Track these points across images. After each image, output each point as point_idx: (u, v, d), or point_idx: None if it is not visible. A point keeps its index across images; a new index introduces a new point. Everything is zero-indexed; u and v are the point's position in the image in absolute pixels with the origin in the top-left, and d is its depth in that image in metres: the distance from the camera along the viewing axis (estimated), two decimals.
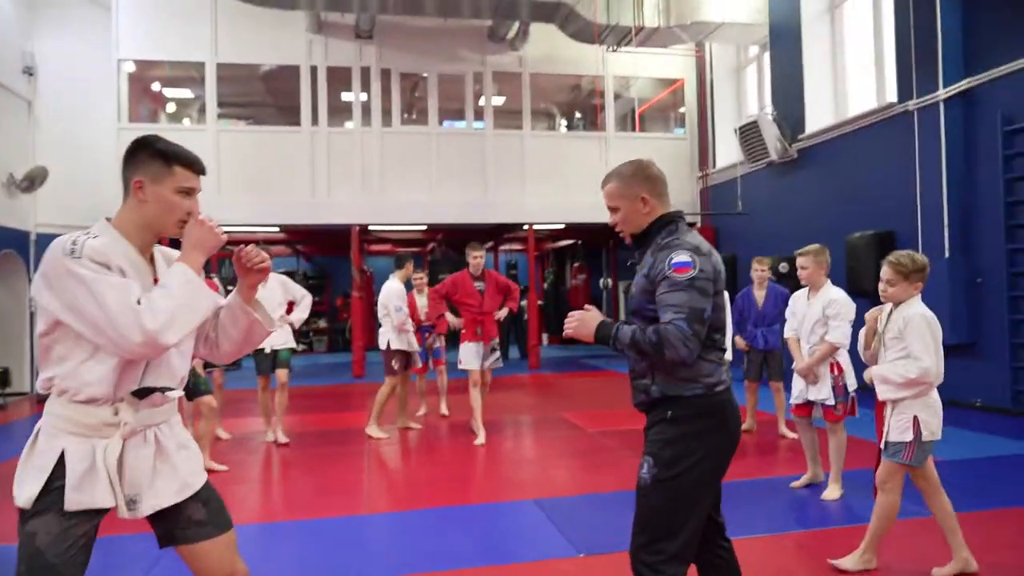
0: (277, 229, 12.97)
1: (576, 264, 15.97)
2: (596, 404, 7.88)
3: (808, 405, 4.24)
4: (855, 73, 9.22)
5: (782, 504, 4.10)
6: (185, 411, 5.12)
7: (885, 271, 3.06)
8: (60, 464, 1.65)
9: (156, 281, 1.76)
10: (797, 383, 4.26)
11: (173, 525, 1.83)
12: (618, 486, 4.52)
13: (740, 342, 5.83)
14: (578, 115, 15.20)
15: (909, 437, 2.94)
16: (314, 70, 11.30)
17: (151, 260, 1.84)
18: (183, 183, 1.78)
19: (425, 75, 11.93)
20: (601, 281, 16.12)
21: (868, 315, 3.23)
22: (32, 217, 9.93)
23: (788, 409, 4.72)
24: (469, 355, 5.98)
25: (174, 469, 1.80)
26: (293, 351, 6.11)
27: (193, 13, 10.84)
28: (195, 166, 1.81)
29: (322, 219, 11.37)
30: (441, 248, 14.82)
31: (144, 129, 11.01)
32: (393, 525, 3.94)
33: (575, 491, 4.50)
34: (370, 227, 12.48)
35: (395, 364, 6.27)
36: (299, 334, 16.44)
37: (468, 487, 4.76)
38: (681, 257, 1.97)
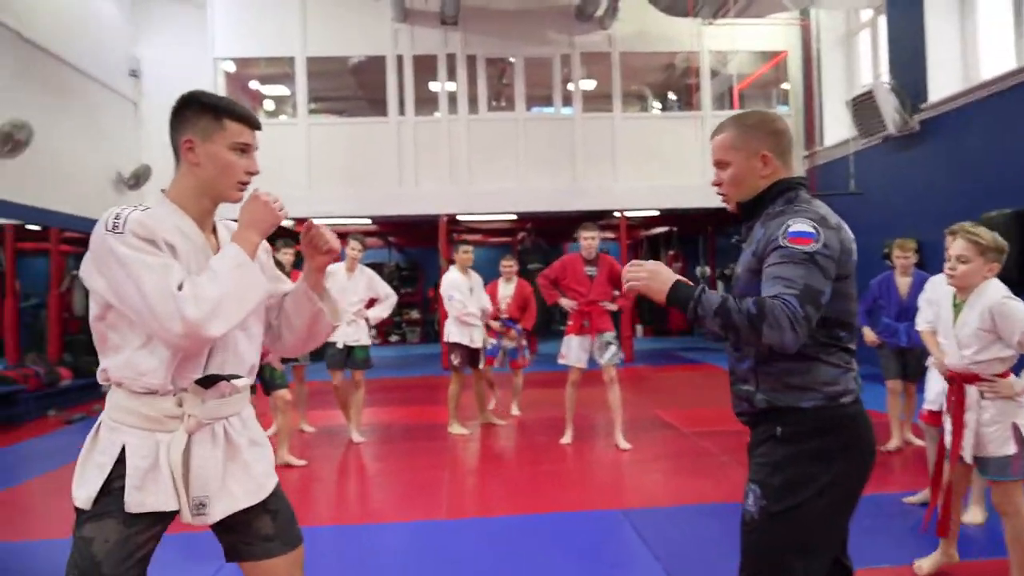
0: (369, 221, 13.10)
1: (671, 252, 15.33)
2: (694, 401, 7.40)
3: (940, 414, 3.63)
4: (988, 32, 8.19)
5: (898, 525, 3.56)
6: (259, 406, 5.09)
7: (959, 244, 2.61)
8: (121, 461, 1.49)
9: None
10: (933, 385, 3.61)
11: (239, 539, 1.64)
12: (717, 496, 4.10)
13: (869, 335, 5.02)
14: (672, 96, 14.53)
15: (1013, 450, 2.53)
16: (400, 60, 11.25)
17: (214, 232, 1.65)
18: (237, 138, 1.58)
19: (512, 59, 11.65)
20: (698, 270, 15.41)
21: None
22: None
23: (916, 414, 4.11)
24: (571, 349, 5.42)
25: (246, 468, 1.61)
26: (367, 348, 5.82)
27: (282, 7, 11.00)
28: (248, 119, 1.61)
29: (410, 210, 11.33)
30: (531, 237, 14.56)
31: None
32: (465, 532, 3.69)
33: (668, 501, 4.11)
34: (458, 217, 12.38)
35: (454, 359, 5.94)
36: (382, 331, 16.72)
37: (548, 492, 4.46)
38: (801, 225, 1.56)
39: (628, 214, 12.04)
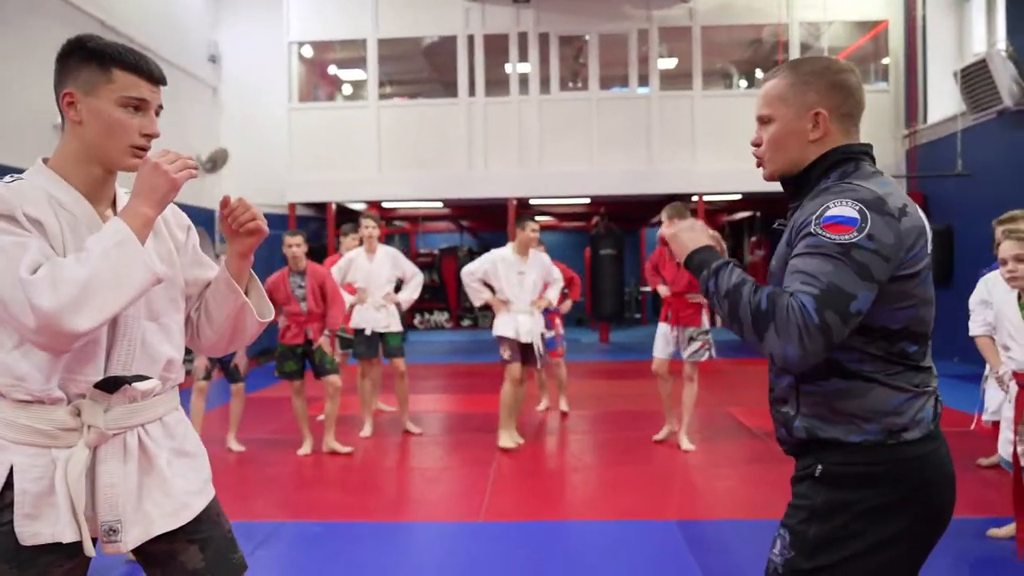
0: (440, 204, 13.02)
1: (754, 238, 14.56)
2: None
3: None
4: None
5: (974, 556, 3.05)
6: (312, 390, 5.00)
7: (1009, 246, 2.40)
8: (9, 486, 1.24)
9: None
10: (993, 395, 3.13)
11: (165, 572, 1.40)
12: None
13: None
14: (759, 73, 13.70)
15: None
16: (471, 40, 11.02)
17: (113, 206, 1.39)
18: (128, 91, 1.31)
19: (586, 37, 11.23)
20: None
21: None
22: (217, 196, 10.61)
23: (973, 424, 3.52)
24: (656, 338, 5.09)
25: (166, 485, 1.36)
26: (403, 336, 5.57)
27: None
28: (143, 69, 1.32)
29: (479, 193, 11.14)
30: (604, 222, 14.12)
31: (311, 108, 11.46)
32: (500, 536, 3.45)
33: (730, 514, 3.74)
34: (530, 200, 12.10)
35: (503, 354, 5.01)
36: (455, 316, 16.69)
37: (599, 497, 4.16)
38: (841, 208, 1.22)
39: (708, 198, 11.45)
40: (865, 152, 1.36)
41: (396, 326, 5.46)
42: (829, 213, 1.22)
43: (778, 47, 11.25)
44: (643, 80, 11.22)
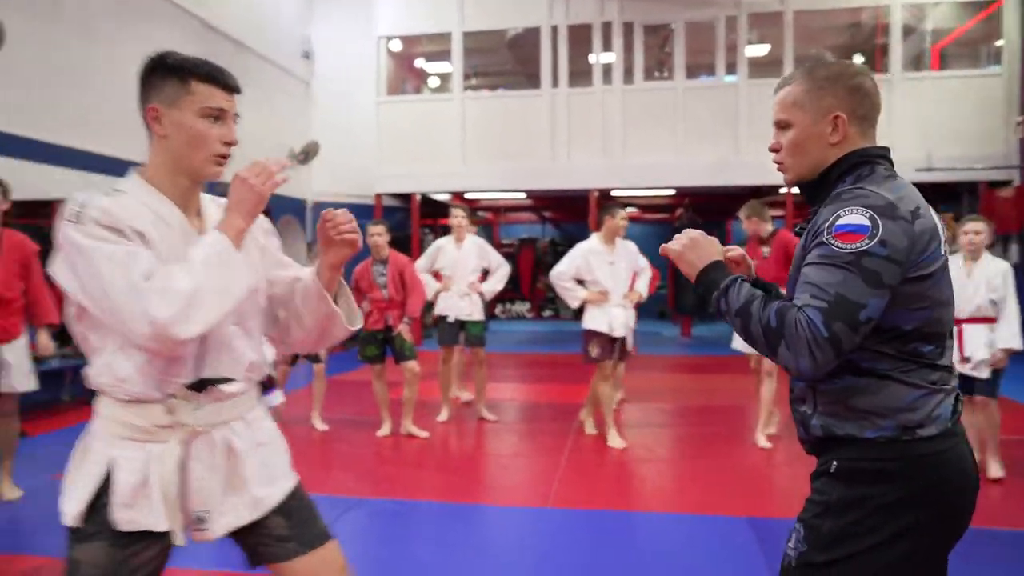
0: (524, 195, 13.11)
1: None
2: None
3: None
4: None
5: None
6: (392, 375, 5.18)
7: None
8: (110, 476, 1.36)
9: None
10: None
11: (256, 540, 1.50)
12: None
13: None
14: (859, 59, 13.06)
15: None
16: (555, 30, 11.03)
17: (199, 215, 1.47)
18: (207, 102, 1.38)
19: (672, 25, 11.02)
20: None
21: None
22: (309, 187, 11.08)
23: None
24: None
25: (249, 477, 1.47)
26: (485, 325, 5.66)
27: None
28: (219, 80, 1.40)
29: (562, 184, 11.16)
30: (688, 214, 13.83)
31: (398, 101, 11.76)
32: (565, 523, 3.49)
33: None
34: (612, 192, 12.02)
35: (592, 350, 4.82)
36: (536, 307, 16.75)
37: (669, 489, 4.14)
38: (852, 216, 1.22)
39: (797, 190, 11.03)
40: (882, 155, 1.36)
41: (479, 315, 5.54)
42: (840, 222, 1.24)
43: (877, 31, 10.71)
44: (730, 68, 10.93)
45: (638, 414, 5.94)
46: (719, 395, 6.46)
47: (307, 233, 10.83)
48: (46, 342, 3.88)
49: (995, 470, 4.08)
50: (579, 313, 5.26)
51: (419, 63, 13.88)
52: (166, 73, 1.39)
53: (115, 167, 6.76)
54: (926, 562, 1.27)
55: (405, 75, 13.30)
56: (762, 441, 4.81)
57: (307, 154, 10.61)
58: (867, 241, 1.20)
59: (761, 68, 11.28)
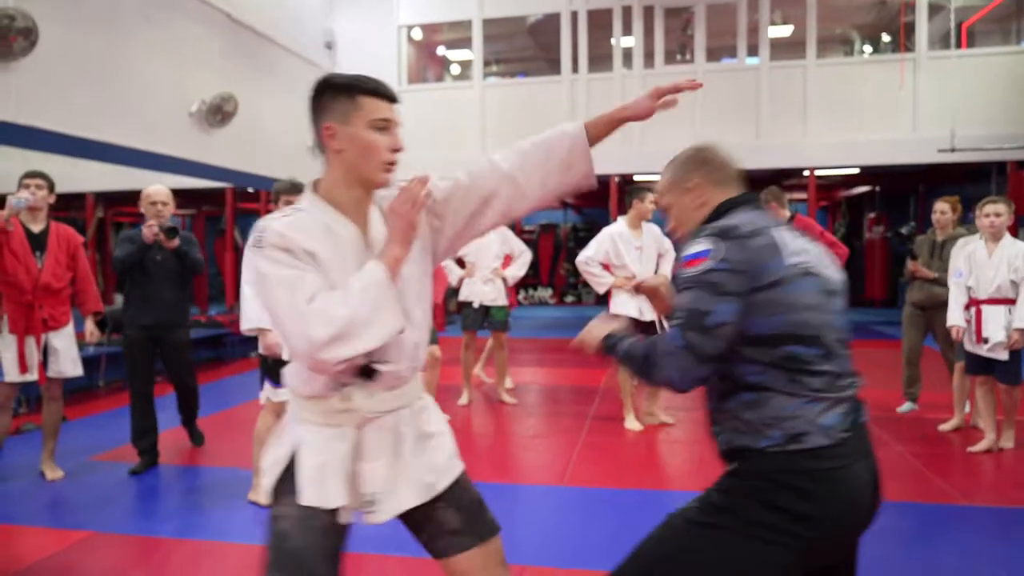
0: None
1: (872, 215, 13.77)
2: (875, 381, 6.58)
3: None
4: None
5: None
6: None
7: None
8: (297, 456, 1.51)
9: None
10: None
11: (427, 535, 1.60)
12: None
13: None
14: (885, 38, 12.83)
15: None
16: (575, 16, 11.02)
17: (367, 223, 1.56)
18: (374, 114, 1.48)
19: (692, 8, 10.95)
20: (905, 229, 13.68)
21: None
22: None
23: None
24: None
25: (415, 464, 1.55)
26: (508, 310, 5.74)
27: None
28: (382, 92, 1.50)
29: None
30: None
31: (420, 89, 11.86)
32: (580, 501, 3.61)
33: None
34: (634, 176, 12.02)
35: None
36: (558, 292, 16.78)
37: (684, 470, 4.24)
38: (694, 246, 1.43)
39: (821, 172, 10.96)
40: (741, 201, 1.57)
41: (502, 300, 5.65)
42: (686, 252, 1.46)
43: (902, 9, 10.54)
44: (752, 50, 10.83)
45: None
46: None
47: None
48: (92, 330, 4.11)
49: (1007, 440, 4.16)
50: (602, 298, 5.28)
51: (440, 51, 13.95)
52: (336, 93, 1.49)
53: (140, 159, 6.96)
54: (788, 568, 1.34)
55: (426, 63, 13.38)
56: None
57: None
58: (709, 261, 1.39)
59: (784, 49, 11.17)
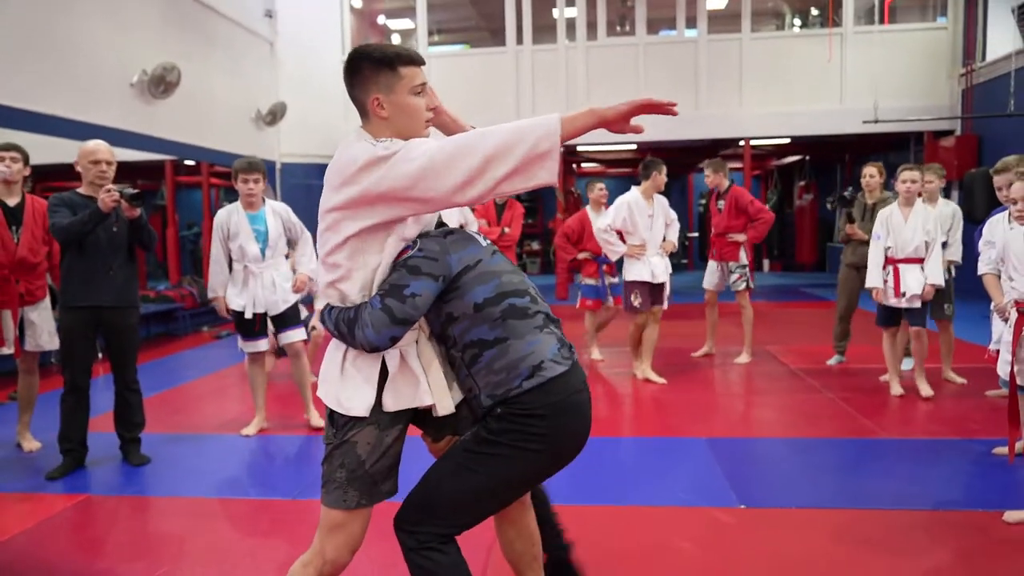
0: None
1: (802, 183, 14.46)
2: (807, 338, 7.13)
3: None
4: None
5: (986, 471, 3.36)
6: None
7: (1020, 187, 2.78)
8: (383, 372, 1.69)
9: None
10: (997, 328, 3.32)
11: (434, 426, 1.84)
12: (808, 432, 4.04)
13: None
14: (814, 12, 13.38)
15: None
16: None
17: None
18: (414, 81, 1.67)
19: None
20: (829, 201, 14.42)
21: None
22: (277, 148, 11.12)
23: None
24: (706, 275, 6.18)
25: (449, 376, 1.78)
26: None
27: None
28: (417, 60, 1.69)
29: None
30: None
31: None
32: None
33: (754, 433, 4.11)
34: (578, 148, 12.28)
35: (634, 300, 5.18)
36: (516, 258, 16.88)
37: (641, 419, 4.57)
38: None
39: (756, 143, 11.45)
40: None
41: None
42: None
43: None
44: (691, 22, 11.17)
45: (612, 361, 6.35)
46: (685, 340, 6.89)
47: (278, 194, 10.90)
48: None
49: (925, 390, 4.59)
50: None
51: (381, 20, 13.81)
52: (376, 65, 1.66)
53: (80, 131, 6.81)
54: (542, 472, 1.71)
55: (368, 33, 13.24)
56: (744, 358, 5.85)
57: (274, 115, 10.59)
58: (410, 250, 1.64)
59: (721, 22, 11.55)
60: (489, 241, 1.79)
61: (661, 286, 5.23)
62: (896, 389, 4.70)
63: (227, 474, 3.69)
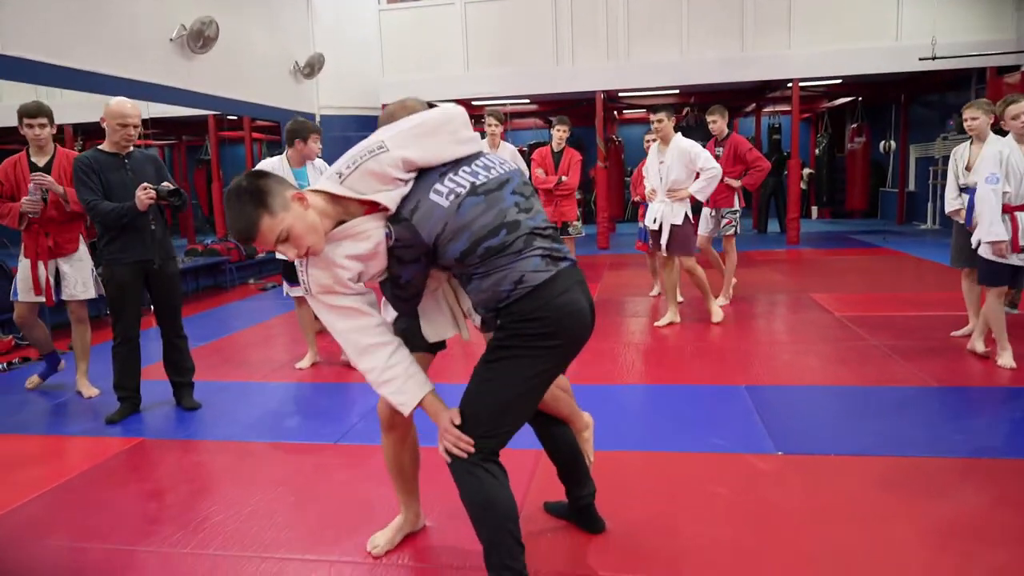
0: (527, 101, 13.08)
1: (854, 125, 13.90)
2: (853, 286, 6.97)
3: None
4: None
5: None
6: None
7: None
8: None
9: None
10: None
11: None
12: (849, 380, 3.98)
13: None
14: None
15: None
16: None
17: None
18: None
19: None
20: (882, 144, 13.87)
21: None
22: (316, 101, 11.14)
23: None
24: (701, 221, 6.03)
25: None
26: None
27: None
28: None
29: (567, 87, 11.16)
30: (695, 113, 13.82)
31: (399, 8, 11.61)
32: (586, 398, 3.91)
33: (794, 381, 4.06)
34: (619, 94, 12.01)
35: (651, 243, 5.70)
36: (578, 205, 16.83)
37: (680, 366, 4.55)
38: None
39: (804, 84, 11.01)
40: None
41: None
42: None
43: None
44: None
45: (632, 305, 6.32)
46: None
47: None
48: None
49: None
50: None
51: None
52: None
53: (122, 87, 6.92)
54: (551, 369, 1.88)
55: None
56: (716, 315, 5.54)
57: (312, 67, 10.58)
58: (391, 240, 1.82)
59: None
60: (466, 183, 1.85)
61: (659, 232, 5.32)
62: (980, 346, 4.28)
63: (274, 419, 3.82)
